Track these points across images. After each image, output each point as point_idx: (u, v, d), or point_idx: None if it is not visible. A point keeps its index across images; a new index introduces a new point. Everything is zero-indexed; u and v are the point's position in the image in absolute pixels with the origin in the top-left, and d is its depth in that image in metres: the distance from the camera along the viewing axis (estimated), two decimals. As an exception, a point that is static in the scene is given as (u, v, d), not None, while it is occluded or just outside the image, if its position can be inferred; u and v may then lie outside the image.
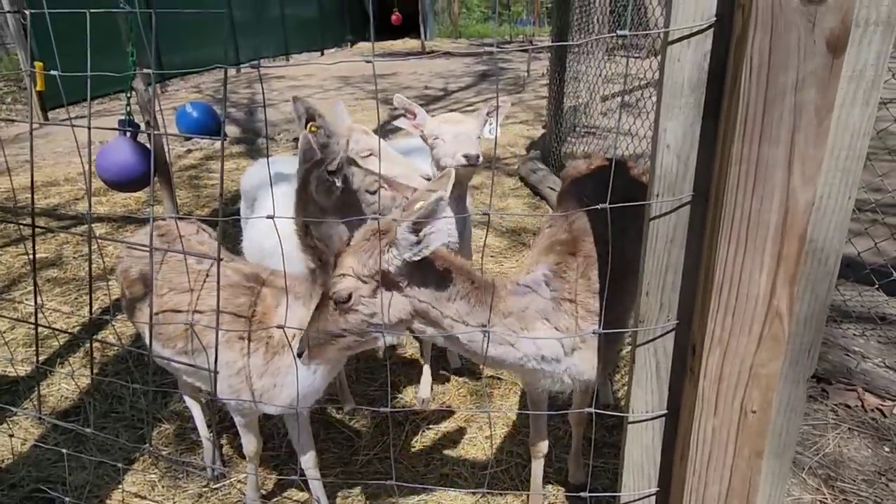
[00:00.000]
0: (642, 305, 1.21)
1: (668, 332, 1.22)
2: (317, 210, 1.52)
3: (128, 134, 3.79)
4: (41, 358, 3.12)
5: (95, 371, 3.04)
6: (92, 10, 1.55)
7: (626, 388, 1.67)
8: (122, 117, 3.78)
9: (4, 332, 3.30)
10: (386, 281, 1.35)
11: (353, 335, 1.40)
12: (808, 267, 1.09)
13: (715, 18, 1.01)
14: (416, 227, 1.28)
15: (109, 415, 2.75)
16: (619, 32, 1.06)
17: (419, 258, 1.32)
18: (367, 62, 1.15)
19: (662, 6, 6.70)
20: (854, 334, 3.19)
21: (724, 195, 0.99)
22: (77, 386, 2.91)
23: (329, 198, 1.54)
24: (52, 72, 1.31)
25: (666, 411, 1.28)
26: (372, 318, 1.38)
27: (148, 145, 3.93)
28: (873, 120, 1.02)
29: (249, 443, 2.05)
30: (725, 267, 1.03)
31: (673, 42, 1.03)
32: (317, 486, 2.12)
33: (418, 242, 1.31)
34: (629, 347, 1.70)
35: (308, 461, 2.06)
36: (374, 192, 1.82)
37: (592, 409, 1.31)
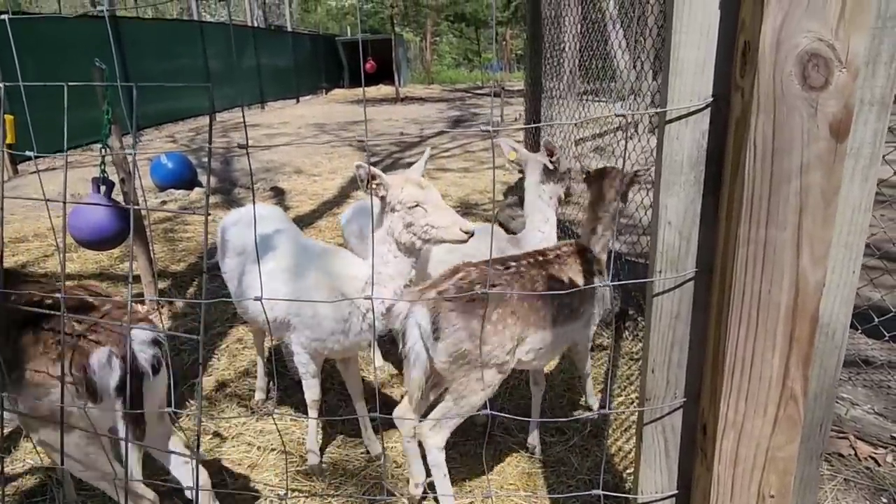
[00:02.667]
0: (649, 382, 1.18)
1: (675, 410, 1.19)
2: (604, 204, 2.31)
3: (101, 191, 3.72)
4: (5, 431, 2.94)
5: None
6: (70, 83, 1.51)
7: (633, 466, 1.61)
8: (97, 175, 3.71)
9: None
10: None
11: None
12: (816, 342, 1.07)
13: (711, 99, 1.01)
14: None
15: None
16: (616, 111, 1.05)
17: None
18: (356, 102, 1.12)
19: (630, 53, 6.94)
20: (841, 379, 3.20)
21: (733, 276, 0.97)
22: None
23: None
24: (27, 152, 1.25)
25: (676, 491, 1.23)
26: None
27: (122, 202, 3.84)
28: (873, 195, 1.02)
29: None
30: (737, 348, 1.00)
31: (671, 121, 1.03)
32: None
33: None
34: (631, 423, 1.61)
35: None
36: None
37: (601, 491, 1.25)
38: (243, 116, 1.28)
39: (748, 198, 0.93)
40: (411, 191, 2.06)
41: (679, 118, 1.03)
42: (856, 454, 2.76)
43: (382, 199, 2.15)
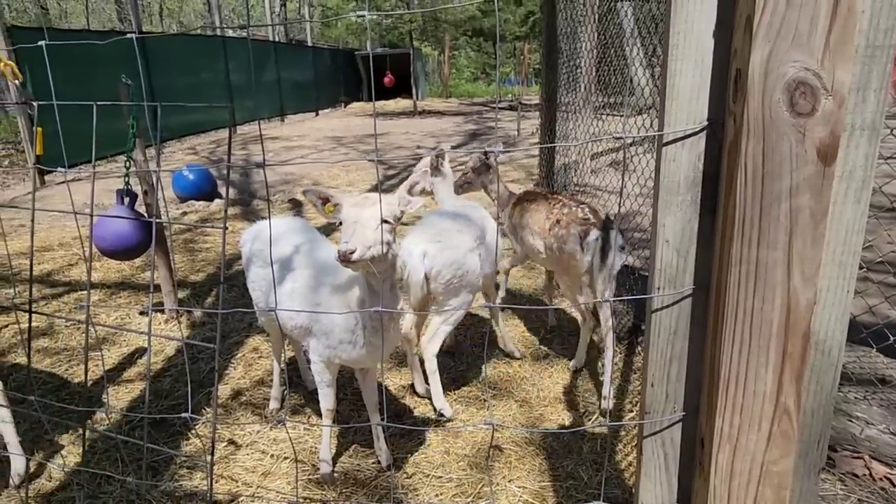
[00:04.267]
0: (648, 396, 1.21)
1: (674, 423, 1.21)
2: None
3: (125, 203, 3.84)
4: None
5: (84, 448, 2.95)
6: (98, 102, 1.59)
7: (633, 479, 1.63)
8: (121, 187, 3.83)
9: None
10: None
11: None
12: (811, 359, 1.10)
13: (707, 123, 1.05)
14: None
15: (98, 495, 2.66)
16: (615, 134, 1.10)
17: None
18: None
19: (644, 68, 6.96)
20: (856, 398, 3.17)
21: (727, 294, 1.01)
22: (63, 471, 2.82)
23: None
24: (59, 169, 1.32)
25: (676, 504, 1.26)
26: None
27: (145, 214, 3.96)
28: (865, 217, 1.05)
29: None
30: (731, 364, 1.03)
31: (667, 143, 1.07)
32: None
33: None
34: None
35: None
36: None
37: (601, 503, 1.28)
38: (260, 132, 1.35)
39: (740, 218, 0.97)
40: (343, 210, 2.11)
41: (675, 141, 1.07)
42: (870, 474, 2.73)
43: None
